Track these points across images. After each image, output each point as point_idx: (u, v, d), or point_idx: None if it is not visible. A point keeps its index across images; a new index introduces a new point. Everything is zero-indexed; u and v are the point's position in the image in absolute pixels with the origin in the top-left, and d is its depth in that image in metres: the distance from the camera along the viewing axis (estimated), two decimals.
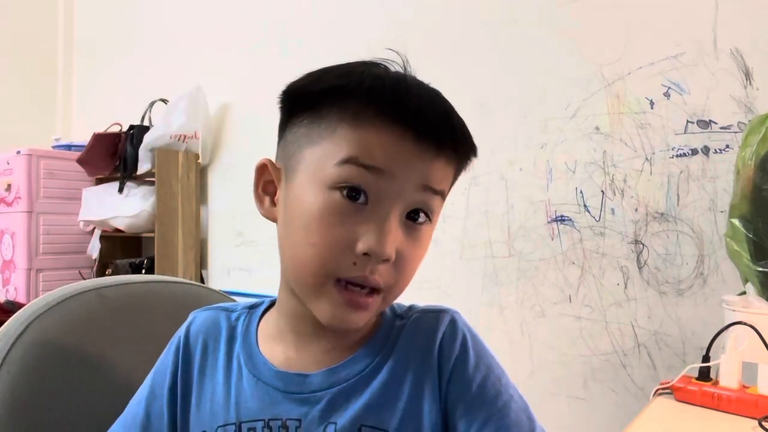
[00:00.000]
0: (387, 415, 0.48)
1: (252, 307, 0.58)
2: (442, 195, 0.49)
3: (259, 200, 0.53)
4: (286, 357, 0.52)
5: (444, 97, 0.49)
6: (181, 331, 0.57)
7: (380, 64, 0.50)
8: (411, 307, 0.55)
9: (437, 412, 0.49)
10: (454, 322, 0.52)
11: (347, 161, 0.44)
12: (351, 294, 0.45)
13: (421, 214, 0.48)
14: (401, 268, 0.47)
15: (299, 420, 0.48)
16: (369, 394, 0.48)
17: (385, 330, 0.52)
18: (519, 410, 0.49)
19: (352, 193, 0.45)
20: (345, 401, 0.48)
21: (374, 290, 0.46)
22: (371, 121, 0.45)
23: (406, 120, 0.45)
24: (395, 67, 0.50)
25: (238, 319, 0.56)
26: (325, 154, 0.46)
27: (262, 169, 0.52)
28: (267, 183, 0.52)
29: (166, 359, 0.56)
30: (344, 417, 0.48)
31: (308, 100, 0.48)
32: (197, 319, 0.58)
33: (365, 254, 0.44)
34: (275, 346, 0.53)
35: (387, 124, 0.45)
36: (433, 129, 0.46)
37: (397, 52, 0.50)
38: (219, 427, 0.50)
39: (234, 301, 0.81)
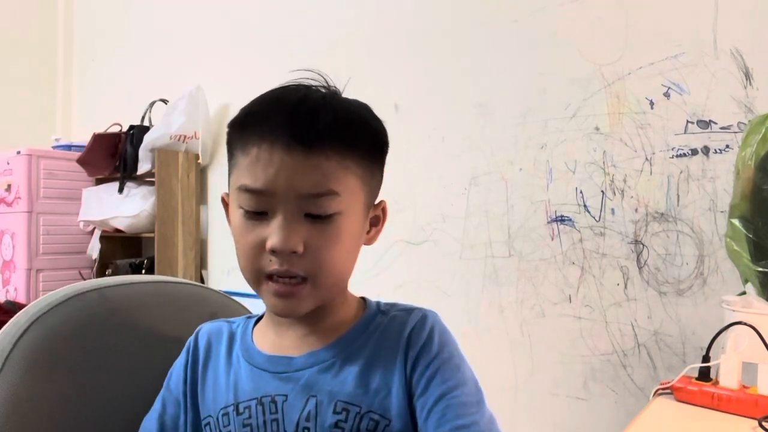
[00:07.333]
0: (359, 393, 0.55)
1: (249, 318, 0.67)
2: (329, 193, 0.53)
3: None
4: (273, 343, 0.61)
5: (339, 105, 0.55)
6: (191, 338, 0.66)
7: (300, 86, 0.56)
8: (393, 305, 0.62)
9: (404, 395, 0.55)
10: (424, 318, 0.59)
11: (239, 188, 0.54)
12: (278, 285, 0.54)
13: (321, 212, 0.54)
14: (316, 257, 0.53)
15: (285, 395, 0.56)
16: (345, 375, 0.56)
17: (365, 322, 0.60)
18: (470, 394, 0.54)
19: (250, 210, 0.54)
20: (323, 378, 0.56)
21: (303, 279, 0.54)
22: (252, 143, 0.53)
23: (274, 133, 0.52)
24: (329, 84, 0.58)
25: (238, 326, 0.66)
26: (233, 181, 0.56)
27: (225, 200, 0.61)
28: None
29: (179, 362, 0.65)
30: (323, 392, 0.55)
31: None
32: (204, 327, 0.67)
33: (273, 251, 0.52)
34: (264, 338, 0.62)
35: (261, 142, 0.52)
36: (298, 134, 0.51)
37: (319, 73, 0.58)
38: (221, 409, 0.58)
39: (234, 301, 0.83)
